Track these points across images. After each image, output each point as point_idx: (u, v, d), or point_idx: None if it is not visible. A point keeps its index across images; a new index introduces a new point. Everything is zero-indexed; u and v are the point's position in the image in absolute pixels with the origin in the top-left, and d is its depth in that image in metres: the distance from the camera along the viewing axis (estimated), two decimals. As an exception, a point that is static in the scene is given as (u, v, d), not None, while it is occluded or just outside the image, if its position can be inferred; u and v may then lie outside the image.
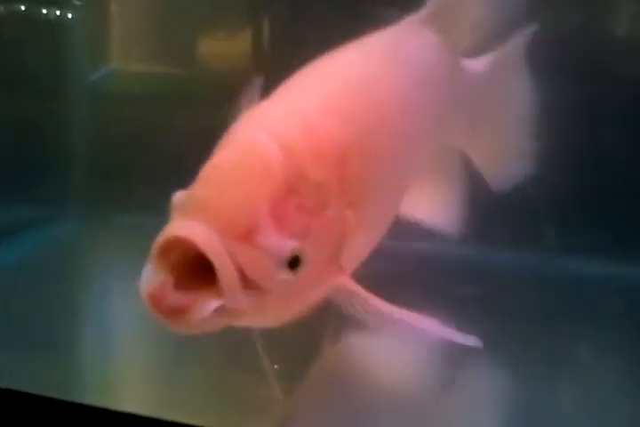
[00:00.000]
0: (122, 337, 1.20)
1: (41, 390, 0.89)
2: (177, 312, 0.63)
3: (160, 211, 0.97)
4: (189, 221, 0.65)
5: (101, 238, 1.62)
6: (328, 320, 1.08)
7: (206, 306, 0.64)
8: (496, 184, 1.15)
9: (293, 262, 0.68)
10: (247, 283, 0.65)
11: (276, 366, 1.01)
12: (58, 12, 1.72)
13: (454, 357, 1.02)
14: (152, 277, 0.65)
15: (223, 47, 1.64)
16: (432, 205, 1.13)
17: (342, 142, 0.76)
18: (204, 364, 1.05)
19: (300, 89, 0.84)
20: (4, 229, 1.51)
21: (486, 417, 0.97)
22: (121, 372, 1.08)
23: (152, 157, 1.58)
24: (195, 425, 0.83)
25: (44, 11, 1.71)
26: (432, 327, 0.78)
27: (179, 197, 0.70)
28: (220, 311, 0.65)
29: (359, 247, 0.83)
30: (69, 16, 1.73)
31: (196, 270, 0.65)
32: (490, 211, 1.24)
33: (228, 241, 0.64)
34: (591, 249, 1.41)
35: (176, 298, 0.64)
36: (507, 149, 1.16)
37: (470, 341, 0.78)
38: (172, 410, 0.89)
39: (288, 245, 0.67)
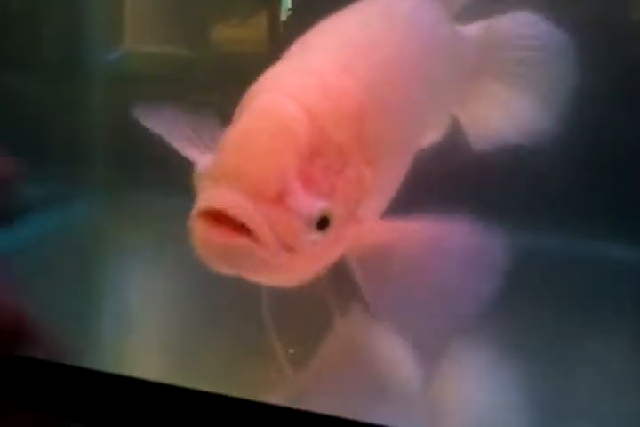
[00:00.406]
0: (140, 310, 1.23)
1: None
2: (224, 244, 0.67)
3: (172, 191, 1.01)
4: (221, 189, 0.68)
5: (117, 217, 1.63)
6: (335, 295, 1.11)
7: (252, 255, 0.68)
8: (481, 147, 1.15)
9: (322, 223, 0.71)
10: (281, 245, 0.69)
11: (290, 351, 1.04)
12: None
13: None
14: (201, 222, 0.68)
15: (237, 31, 1.66)
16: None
17: (360, 100, 0.78)
18: (221, 337, 1.08)
19: (313, 48, 0.84)
20: (23, 207, 1.52)
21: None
22: (139, 343, 1.12)
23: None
24: (211, 392, 0.87)
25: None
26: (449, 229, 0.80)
27: (204, 163, 0.72)
28: (261, 261, 0.69)
29: (373, 202, 0.84)
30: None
31: (234, 224, 0.68)
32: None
33: (261, 207, 0.67)
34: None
35: (224, 231, 0.67)
36: (495, 115, 1.17)
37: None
38: (190, 378, 0.92)
39: (316, 207, 0.70)
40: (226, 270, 0.73)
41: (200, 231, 0.68)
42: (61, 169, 1.61)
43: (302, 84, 0.75)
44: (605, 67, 1.26)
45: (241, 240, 0.67)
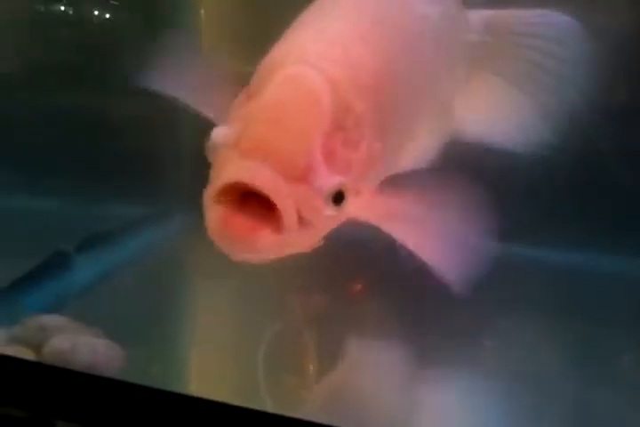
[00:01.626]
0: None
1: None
2: (242, 237, 0.67)
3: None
4: (251, 162, 0.66)
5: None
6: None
7: (268, 239, 0.67)
8: (475, 141, 1.09)
9: (338, 197, 0.70)
10: (300, 219, 0.69)
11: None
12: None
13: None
14: (217, 208, 0.67)
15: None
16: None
17: (377, 72, 0.77)
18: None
19: (330, 17, 0.82)
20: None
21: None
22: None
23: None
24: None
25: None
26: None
27: (219, 133, 0.70)
28: (276, 243, 0.68)
29: (376, 174, 0.83)
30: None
31: (251, 202, 0.67)
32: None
33: (288, 182, 0.66)
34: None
35: (241, 223, 0.66)
36: (497, 108, 1.11)
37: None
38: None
39: (335, 182, 0.69)
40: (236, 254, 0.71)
41: (219, 220, 0.67)
42: (152, 189, 1.67)
43: (324, 54, 0.74)
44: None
45: (263, 233, 0.66)
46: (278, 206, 0.66)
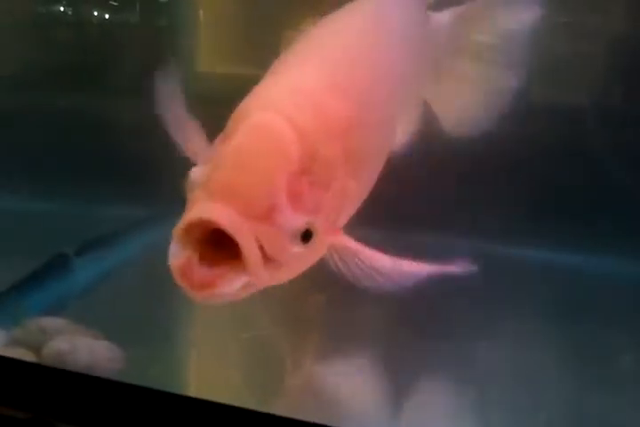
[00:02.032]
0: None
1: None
2: (205, 286, 0.69)
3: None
4: (215, 203, 0.70)
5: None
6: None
7: (233, 282, 0.70)
8: (454, 133, 1.17)
9: (306, 236, 0.74)
10: (266, 258, 0.71)
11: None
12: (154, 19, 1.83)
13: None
14: (179, 253, 0.70)
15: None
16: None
17: (346, 117, 0.80)
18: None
19: (299, 64, 0.85)
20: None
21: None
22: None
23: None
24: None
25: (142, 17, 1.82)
26: (424, 268, 0.82)
27: (196, 173, 0.74)
28: (243, 285, 0.71)
29: (351, 207, 0.88)
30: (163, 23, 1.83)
31: (215, 242, 0.70)
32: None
33: (250, 222, 0.69)
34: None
35: (203, 272, 0.69)
36: (466, 101, 1.18)
37: (464, 266, 0.81)
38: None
39: (302, 222, 0.73)
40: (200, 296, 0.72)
41: (182, 266, 0.70)
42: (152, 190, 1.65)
43: (293, 102, 0.77)
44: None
45: (228, 277, 0.70)
46: (239, 243, 0.69)
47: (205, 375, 1.12)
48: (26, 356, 1.01)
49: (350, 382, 1.07)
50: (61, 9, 1.86)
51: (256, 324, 1.25)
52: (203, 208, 0.70)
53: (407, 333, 1.18)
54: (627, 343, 1.22)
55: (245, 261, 0.70)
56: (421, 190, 1.37)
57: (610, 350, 1.19)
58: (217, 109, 1.83)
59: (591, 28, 1.47)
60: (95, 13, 1.85)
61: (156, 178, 1.68)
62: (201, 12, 1.84)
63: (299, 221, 0.73)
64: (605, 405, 1.02)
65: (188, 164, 1.72)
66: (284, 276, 0.79)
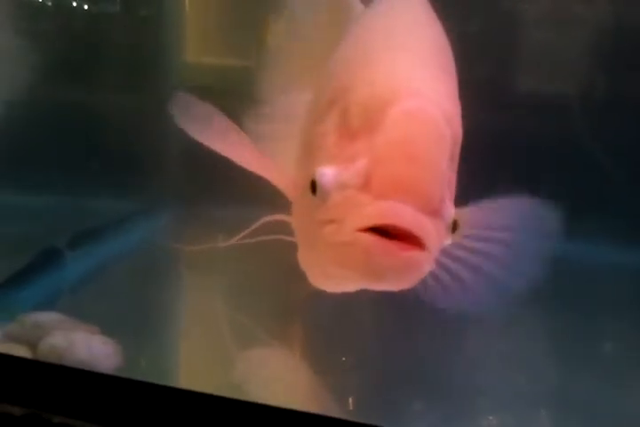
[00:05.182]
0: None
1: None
2: (400, 256, 0.66)
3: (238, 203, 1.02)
4: (395, 204, 0.65)
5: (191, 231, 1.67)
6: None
7: (420, 256, 0.67)
8: None
9: (454, 226, 0.72)
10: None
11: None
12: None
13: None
14: (366, 236, 0.66)
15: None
16: None
17: (457, 102, 0.77)
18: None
19: (399, 47, 0.79)
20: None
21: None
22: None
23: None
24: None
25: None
26: None
27: (329, 173, 0.70)
28: (416, 273, 0.70)
29: None
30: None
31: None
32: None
33: (429, 219, 0.66)
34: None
35: (393, 245, 0.66)
36: None
37: None
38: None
39: (453, 212, 0.71)
40: (375, 283, 0.72)
41: (376, 246, 0.65)
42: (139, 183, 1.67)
43: (431, 88, 0.72)
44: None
45: (417, 253, 0.67)
46: (425, 241, 0.66)
47: (199, 368, 1.13)
48: (21, 351, 1.01)
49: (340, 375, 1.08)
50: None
51: (248, 317, 1.26)
52: (382, 209, 0.66)
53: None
54: (614, 330, 1.25)
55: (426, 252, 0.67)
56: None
57: (598, 337, 1.21)
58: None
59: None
60: (78, 3, 1.83)
61: (146, 172, 1.69)
62: (187, 3, 1.83)
63: (452, 212, 0.70)
64: (601, 389, 1.04)
65: (178, 159, 1.75)
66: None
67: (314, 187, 0.72)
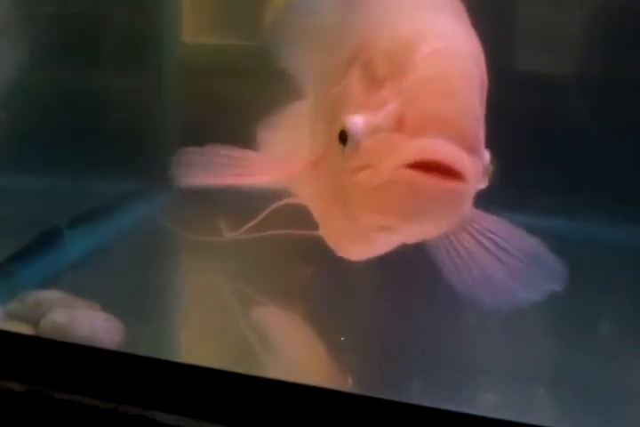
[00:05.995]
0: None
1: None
2: (452, 192, 0.65)
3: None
4: (439, 140, 0.64)
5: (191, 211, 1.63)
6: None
7: (463, 187, 0.66)
8: None
9: (488, 170, 0.71)
10: None
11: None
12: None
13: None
14: (408, 171, 0.64)
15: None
16: None
17: (479, 47, 0.76)
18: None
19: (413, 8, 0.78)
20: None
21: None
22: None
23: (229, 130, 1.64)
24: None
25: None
26: None
27: (359, 122, 0.69)
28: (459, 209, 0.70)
29: None
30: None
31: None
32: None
33: (469, 156, 0.65)
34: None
35: (448, 182, 0.64)
36: None
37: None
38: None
39: (488, 154, 0.70)
40: (416, 225, 0.71)
41: (418, 180, 0.64)
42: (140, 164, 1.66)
43: (455, 31, 0.72)
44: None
45: (460, 184, 0.65)
46: (467, 176, 0.65)
47: (200, 343, 1.14)
48: (23, 329, 1.01)
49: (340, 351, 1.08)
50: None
51: (248, 294, 1.26)
52: (425, 146, 0.64)
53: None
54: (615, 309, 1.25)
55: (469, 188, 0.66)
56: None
57: (599, 316, 1.21)
58: (201, 78, 1.83)
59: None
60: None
61: (144, 152, 1.68)
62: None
63: (487, 154, 0.70)
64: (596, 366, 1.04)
65: (175, 138, 1.74)
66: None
67: (343, 139, 0.70)
